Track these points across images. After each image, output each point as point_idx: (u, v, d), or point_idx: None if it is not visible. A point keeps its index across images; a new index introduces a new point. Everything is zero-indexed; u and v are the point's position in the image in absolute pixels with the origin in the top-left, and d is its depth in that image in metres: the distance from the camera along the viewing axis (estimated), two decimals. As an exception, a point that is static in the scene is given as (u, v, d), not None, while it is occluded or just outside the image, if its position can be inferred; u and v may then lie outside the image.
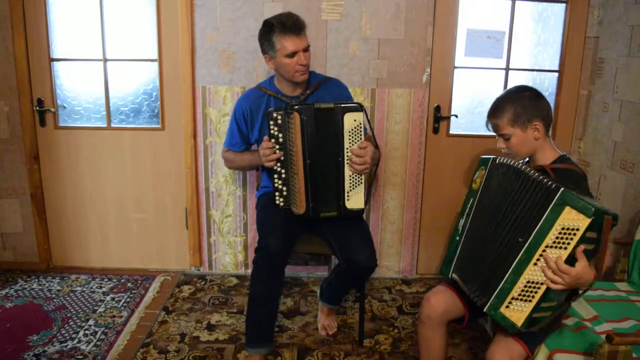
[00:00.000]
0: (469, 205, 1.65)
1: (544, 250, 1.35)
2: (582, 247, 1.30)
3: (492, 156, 1.66)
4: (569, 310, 1.72)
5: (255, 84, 2.32)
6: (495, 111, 1.68)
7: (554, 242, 1.33)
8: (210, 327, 2.38)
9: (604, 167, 2.55)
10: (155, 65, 2.68)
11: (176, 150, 2.77)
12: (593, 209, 1.27)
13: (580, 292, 1.44)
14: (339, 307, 2.50)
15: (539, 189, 1.39)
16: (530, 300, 1.38)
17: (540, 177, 1.41)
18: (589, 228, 1.28)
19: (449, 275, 1.63)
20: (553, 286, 1.34)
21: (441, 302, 1.70)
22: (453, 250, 1.64)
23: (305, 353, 2.20)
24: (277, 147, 1.96)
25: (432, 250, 2.90)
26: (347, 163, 1.93)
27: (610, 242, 1.52)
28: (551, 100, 2.74)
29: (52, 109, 2.72)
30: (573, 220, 1.30)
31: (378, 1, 2.56)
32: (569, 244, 1.31)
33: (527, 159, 1.72)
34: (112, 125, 2.76)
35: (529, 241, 1.38)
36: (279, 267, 2.00)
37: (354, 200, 1.97)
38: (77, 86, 2.74)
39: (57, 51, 2.67)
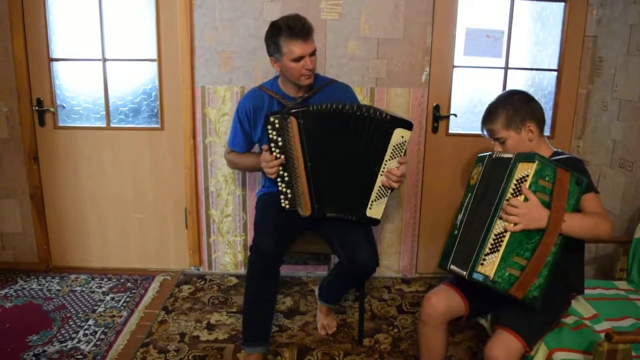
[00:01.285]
0: (466, 201, 1.69)
1: (507, 199, 1.51)
2: (527, 185, 1.49)
3: (488, 152, 1.70)
4: (569, 309, 1.73)
5: (255, 83, 2.33)
6: (489, 117, 1.76)
7: (512, 193, 1.51)
8: (210, 327, 2.38)
9: (603, 166, 2.55)
10: (155, 65, 2.68)
11: (175, 150, 2.77)
12: (537, 156, 1.49)
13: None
14: (338, 306, 2.50)
15: (502, 164, 1.58)
16: (498, 250, 1.50)
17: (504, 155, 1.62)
18: (536, 173, 1.48)
19: (447, 267, 1.64)
20: (505, 216, 1.49)
21: (442, 302, 1.71)
22: (451, 243, 1.66)
23: (305, 352, 2.20)
24: (278, 151, 1.94)
25: (432, 249, 2.89)
26: (381, 174, 1.93)
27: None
28: (550, 99, 2.74)
29: (52, 109, 2.72)
30: (524, 170, 1.51)
31: (377, 0, 2.56)
32: (521, 190, 1.51)
33: None
34: (112, 125, 2.76)
35: (495, 203, 1.53)
36: (272, 267, 1.98)
37: (375, 210, 1.98)
38: (76, 86, 2.74)
39: (56, 51, 2.67)
